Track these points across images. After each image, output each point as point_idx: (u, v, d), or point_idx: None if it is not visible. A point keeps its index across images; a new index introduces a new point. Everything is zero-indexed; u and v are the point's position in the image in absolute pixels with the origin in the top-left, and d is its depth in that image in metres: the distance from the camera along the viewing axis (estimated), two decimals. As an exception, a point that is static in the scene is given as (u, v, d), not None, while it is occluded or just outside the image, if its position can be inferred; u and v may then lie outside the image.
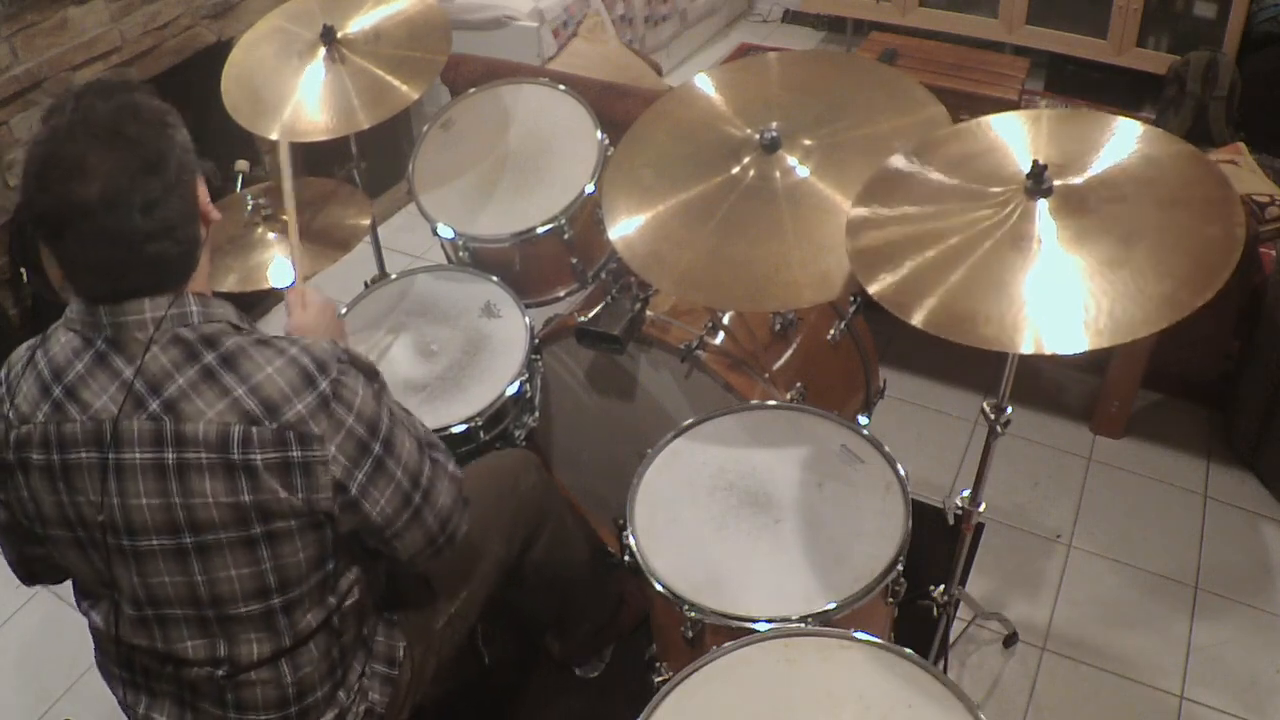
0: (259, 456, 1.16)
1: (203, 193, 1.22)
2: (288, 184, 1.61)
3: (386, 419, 1.27)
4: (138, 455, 1.17)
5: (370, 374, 1.29)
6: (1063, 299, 1.28)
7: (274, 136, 1.93)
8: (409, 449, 1.29)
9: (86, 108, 1.13)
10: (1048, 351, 1.26)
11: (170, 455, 1.16)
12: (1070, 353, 1.26)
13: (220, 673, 1.28)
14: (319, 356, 1.21)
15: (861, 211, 1.51)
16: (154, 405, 1.16)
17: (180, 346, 1.18)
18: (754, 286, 1.61)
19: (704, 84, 1.88)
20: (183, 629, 1.26)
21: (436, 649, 1.54)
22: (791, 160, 1.71)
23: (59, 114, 1.13)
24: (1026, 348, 1.26)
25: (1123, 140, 1.44)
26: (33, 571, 1.41)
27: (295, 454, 1.18)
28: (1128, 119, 1.46)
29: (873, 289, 1.39)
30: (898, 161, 1.55)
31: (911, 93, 1.76)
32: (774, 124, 1.73)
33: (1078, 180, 1.40)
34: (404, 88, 1.98)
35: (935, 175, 1.50)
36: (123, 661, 1.34)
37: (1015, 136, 1.50)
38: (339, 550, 1.29)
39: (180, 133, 1.18)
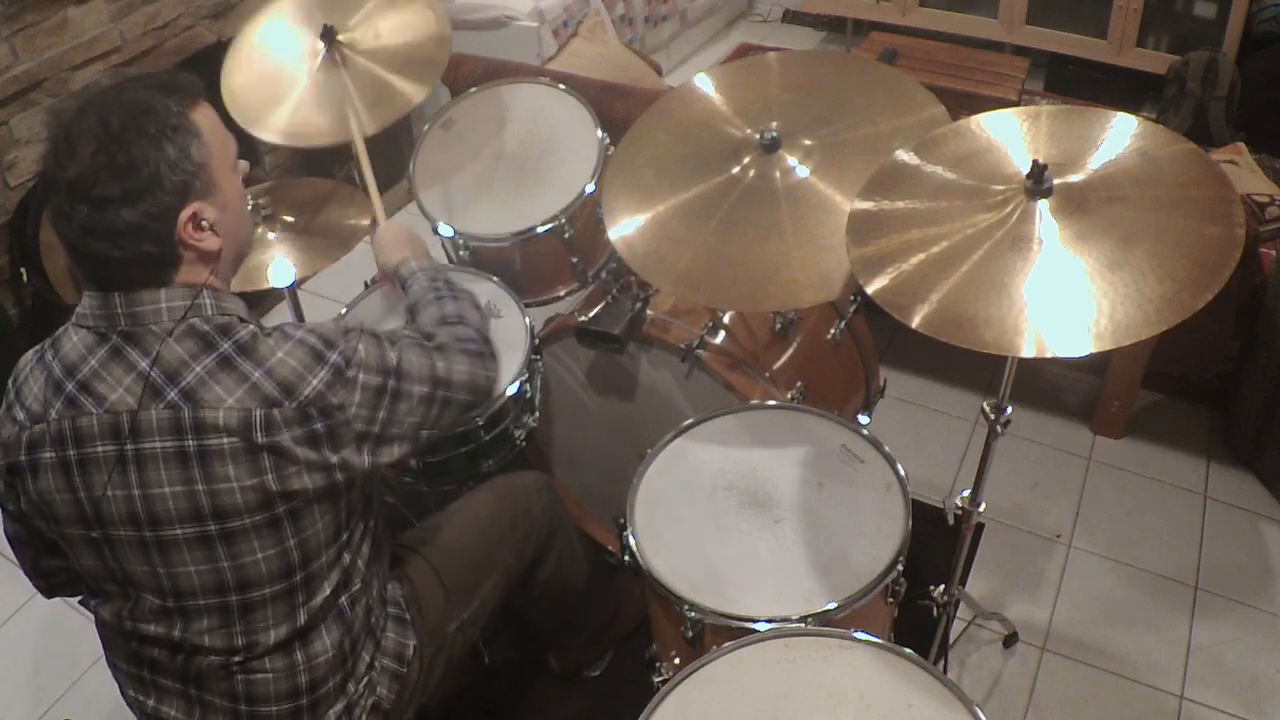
0: (285, 435, 1.20)
1: (191, 216, 1.19)
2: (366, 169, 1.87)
3: (393, 356, 1.35)
4: (158, 444, 1.18)
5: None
6: (1064, 301, 1.28)
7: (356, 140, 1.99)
8: (417, 362, 1.39)
9: (106, 95, 1.17)
10: (1050, 355, 1.26)
11: (191, 442, 1.18)
12: (1072, 356, 1.26)
13: (236, 660, 1.28)
14: (325, 334, 1.28)
15: (862, 210, 1.51)
16: (171, 394, 1.18)
17: (195, 337, 1.20)
18: (753, 286, 1.61)
19: (704, 84, 1.88)
20: (204, 619, 1.27)
21: (446, 651, 1.55)
22: (791, 160, 1.71)
23: (86, 93, 1.18)
24: (1028, 351, 1.26)
25: (1122, 137, 1.44)
26: (52, 584, 1.42)
27: (319, 426, 1.23)
28: (1126, 115, 1.46)
29: (871, 289, 1.39)
30: (899, 159, 1.55)
31: (911, 93, 1.76)
32: (774, 124, 1.73)
33: (1077, 179, 1.40)
34: (406, 92, 1.98)
35: (935, 174, 1.50)
36: (131, 657, 1.34)
37: (1014, 135, 1.50)
38: (351, 518, 1.34)
39: (173, 149, 1.17)
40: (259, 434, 1.19)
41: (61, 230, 1.16)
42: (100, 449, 1.19)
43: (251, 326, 1.24)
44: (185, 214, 1.19)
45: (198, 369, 1.19)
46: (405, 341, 1.41)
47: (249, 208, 1.44)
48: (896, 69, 1.89)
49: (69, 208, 1.14)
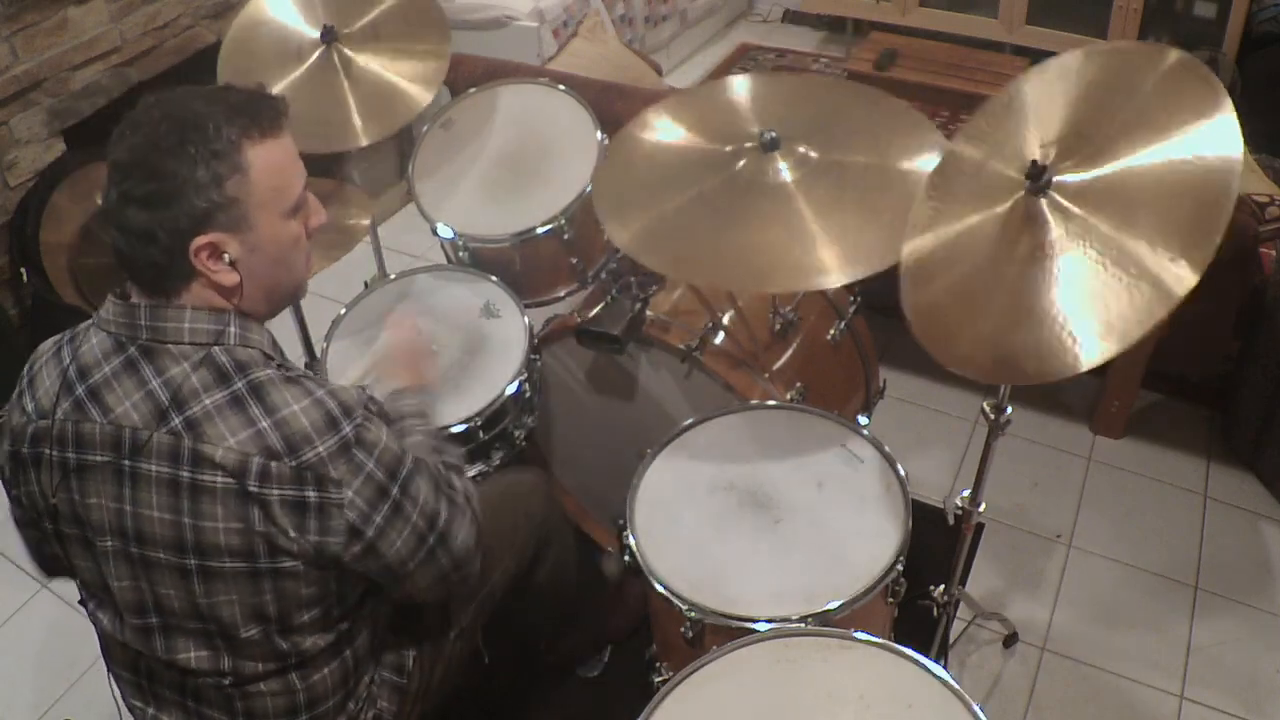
0: (275, 492, 1.15)
1: (208, 245, 1.16)
2: None
3: (408, 464, 1.25)
4: (154, 468, 1.16)
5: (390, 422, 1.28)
6: (1087, 298, 1.26)
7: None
8: (426, 492, 1.27)
9: (182, 96, 1.16)
10: (1098, 361, 1.22)
11: (185, 473, 1.16)
12: (1117, 350, 1.22)
13: (226, 682, 1.27)
14: (345, 401, 1.20)
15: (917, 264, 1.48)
16: (176, 421, 1.15)
17: (211, 368, 1.17)
18: (757, 268, 1.60)
19: (696, 98, 1.87)
20: (188, 640, 1.25)
21: (446, 659, 1.55)
22: (783, 164, 1.70)
23: (178, 88, 1.17)
24: (1091, 361, 1.23)
25: (1074, 74, 1.41)
26: (51, 568, 1.41)
27: (312, 495, 1.16)
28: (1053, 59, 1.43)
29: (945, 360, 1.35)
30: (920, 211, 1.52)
31: (902, 114, 1.76)
32: (773, 130, 1.73)
33: (1079, 173, 1.38)
34: (409, 94, 1.99)
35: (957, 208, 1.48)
36: (130, 665, 1.34)
37: (1005, 135, 1.49)
38: (343, 586, 1.28)
39: (205, 174, 1.13)
40: (252, 482, 1.15)
41: (103, 198, 1.17)
42: (98, 458, 1.18)
43: (270, 370, 1.19)
44: (201, 240, 1.15)
45: (206, 401, 1.15)
46: (423, 467, 1.29)
47: (304, 255, 1.28)
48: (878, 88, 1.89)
49: (109, 185, 1.15)
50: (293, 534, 1.17)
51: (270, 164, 1.18)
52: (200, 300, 1.19)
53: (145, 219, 1.13)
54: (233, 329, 1.20)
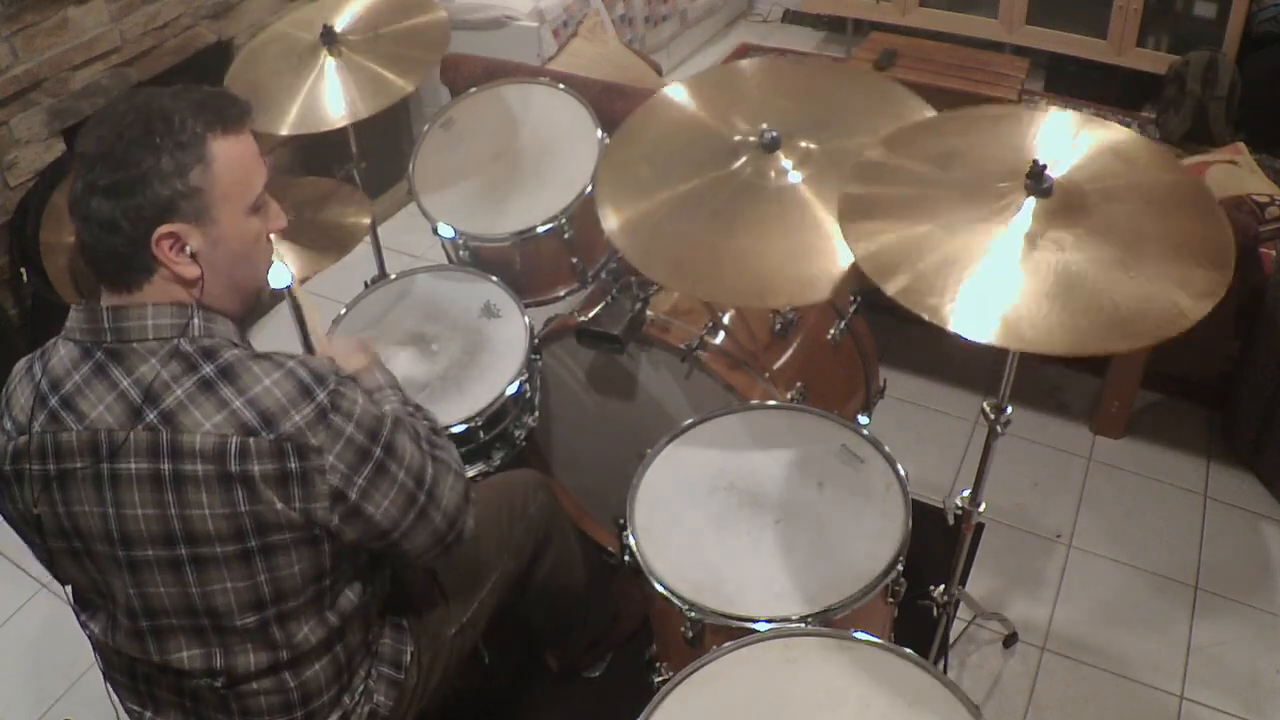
0: (256, 468, 1.16)
1: (170, 235, 1.16)
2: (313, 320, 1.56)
3: (389, 424, 1.26)
4: (134, 466, 1.17)
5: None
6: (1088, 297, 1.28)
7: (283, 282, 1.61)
8: (410, 450, 1.29)
9: (150, 93, 1.18)
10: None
11: (166, 466, 1.16)
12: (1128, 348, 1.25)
13: (219, 684, 1.27)
14: (316, 369, 1.21)
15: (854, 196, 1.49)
16: (151, 416, 1.16)
17: (180, 359, 1.18)
18: (748, 281, 1.60)
19: (692, 88, 1.87)
20: (180, 639, 1.25)
21: (445, 657, 1.55)
22: (786, 163, 1.70)
23: (147, 88, 1.19)
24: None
25: (1095, 143, 1.44)
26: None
27: (293, 465, 1.17)
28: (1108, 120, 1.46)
29: (891, 289, 1.35)
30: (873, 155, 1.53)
31: (905, 101, 1.75)
32: (775, 125, 1.72)
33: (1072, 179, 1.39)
34: (400, 81, 1.99)
35: (920, 169, 1.48)
36: (126, 670, 1.34)
37: (1004, 135, 1.50)
38: (338, 565, 1.28)
39: (169, 163, 1.14)
40: (233, 463, 1.15)
41: (70, 191, 1.18)
42: (78, 465, 1.18)
43: (237, 351, 1.20)
44: (163, 230, 1.15)
45: (178, 392, 1.16)
46: (403, 426, 1.30)
47: (265, 256, 1.30)
48: (886, 77, 1.89)
49: (75, 177, 1.16)
50: (279, 505, 1.18)
51: (233, 159, 1.19)
52: (162, 294, 1.19)
53: (109, 208, 1.14)
54: (197, 320, 1.20)
